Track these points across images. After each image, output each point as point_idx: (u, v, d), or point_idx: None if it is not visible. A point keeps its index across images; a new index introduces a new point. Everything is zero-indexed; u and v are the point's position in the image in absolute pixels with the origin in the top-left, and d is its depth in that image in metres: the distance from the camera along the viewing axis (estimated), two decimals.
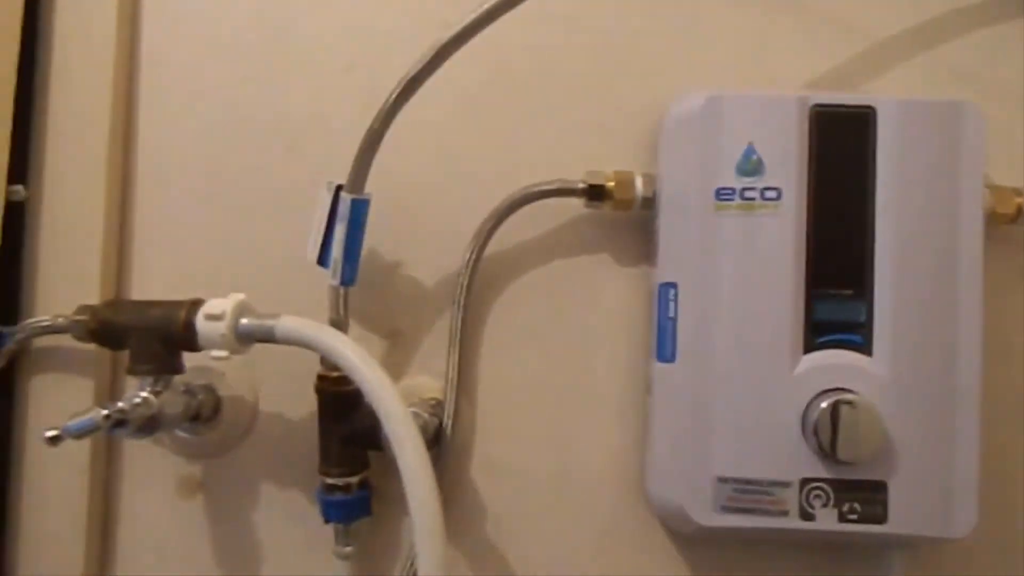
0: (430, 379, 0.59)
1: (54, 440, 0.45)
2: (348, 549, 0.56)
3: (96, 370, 0.59)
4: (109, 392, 0.60)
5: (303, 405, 0.59)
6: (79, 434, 0.46)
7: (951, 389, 0.50)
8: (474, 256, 0.57)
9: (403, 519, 0.59)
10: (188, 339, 0.51)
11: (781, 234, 0.51)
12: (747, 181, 0.51)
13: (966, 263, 0.51)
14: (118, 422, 0.47)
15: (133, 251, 0.61)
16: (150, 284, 0.61)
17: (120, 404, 0.48)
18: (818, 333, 0.51)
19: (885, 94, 0.56)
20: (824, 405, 0.49)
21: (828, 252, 0.51)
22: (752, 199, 0.51)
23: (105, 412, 0.47)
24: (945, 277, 0.51)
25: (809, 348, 0.51)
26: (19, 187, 0.57)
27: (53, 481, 0.58)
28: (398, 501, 0.58)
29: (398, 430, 0.46)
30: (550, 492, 0.58)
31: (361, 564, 0.57)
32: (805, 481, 0.51)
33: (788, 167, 0.51)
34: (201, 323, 0.51)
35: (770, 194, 0.51)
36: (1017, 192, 0.55)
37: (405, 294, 0.60)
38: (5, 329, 0.56)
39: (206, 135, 0.61)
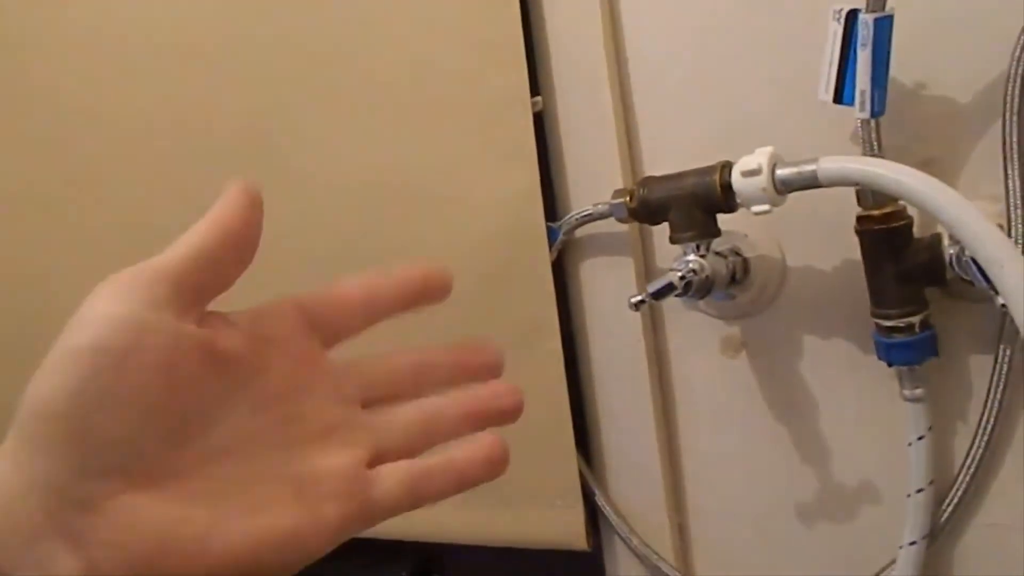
0: (983, 203, 0.53)
1: (639, 305, 0.50)
2: (919, 391, 0.53)
3: (631, 249, 0.63)
4: (644, 268, 0.64)
5: (834, 252, 0.57)
6: (657, 296, 0.50)
7: None
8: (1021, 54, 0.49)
9: (972, 357, 0.55)
10: (727, 200, 0.52)
11: None
12: None
13: None
14: (688, 284, 0.51)
15: (639, 134, 0.64)
16: (661, 159, 0.63)
17: (688, 266, 0.51)
18: None
19: None
20: None
21: None
22: None
23: (679, 274, 0.50)
24: None
25: None
26: (538, 98, 0.63)
27: (616, 352, 0.65)
28: (965, 338, 0.54)
29: (994, 253, 0.42)
30: None
31: (929, 407, 0.55)
32: None
33: None
34: (739, 181, 0.51)
35: None
36: None
37: (934, 116, 0.54)
38: (553, 224, 0.64)
39: (687, 11, 0.61)
